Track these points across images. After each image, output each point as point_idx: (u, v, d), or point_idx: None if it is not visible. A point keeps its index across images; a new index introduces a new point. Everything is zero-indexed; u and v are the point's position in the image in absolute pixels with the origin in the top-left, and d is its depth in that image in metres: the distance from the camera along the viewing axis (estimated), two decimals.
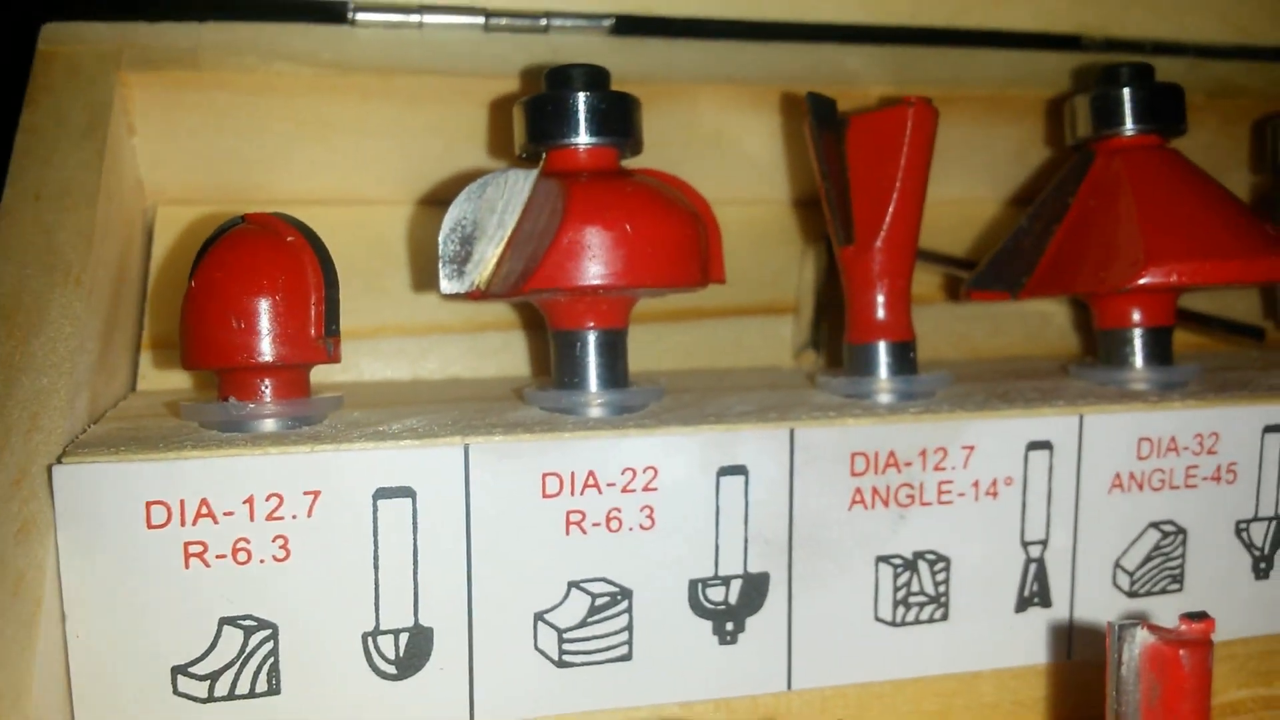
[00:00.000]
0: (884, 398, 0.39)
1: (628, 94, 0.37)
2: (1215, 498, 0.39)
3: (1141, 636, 0.26)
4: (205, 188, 0.44)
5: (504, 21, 0.45)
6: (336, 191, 0.45)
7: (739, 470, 0.35)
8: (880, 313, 0.39)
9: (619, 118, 0.37)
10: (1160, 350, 0.42)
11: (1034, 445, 0.37)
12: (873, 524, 0.36)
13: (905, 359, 0.39)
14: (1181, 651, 0.26)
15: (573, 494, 0.33)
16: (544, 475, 0.33)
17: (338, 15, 0.44)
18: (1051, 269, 0.41)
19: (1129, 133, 0.42)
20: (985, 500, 0.37)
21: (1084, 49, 0.53)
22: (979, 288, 0.42)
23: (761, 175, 0.49)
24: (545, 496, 0.33)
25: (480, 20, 0.45)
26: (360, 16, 0.44)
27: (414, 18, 0.44)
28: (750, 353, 0.49)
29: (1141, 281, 0.38)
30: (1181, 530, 0.39)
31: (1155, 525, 0.39)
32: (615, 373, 0.37)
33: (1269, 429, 0.40)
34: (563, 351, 0.37)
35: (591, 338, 0.37)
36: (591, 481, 0.33)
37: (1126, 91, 0.42)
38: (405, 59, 0.44)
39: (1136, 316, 0.42)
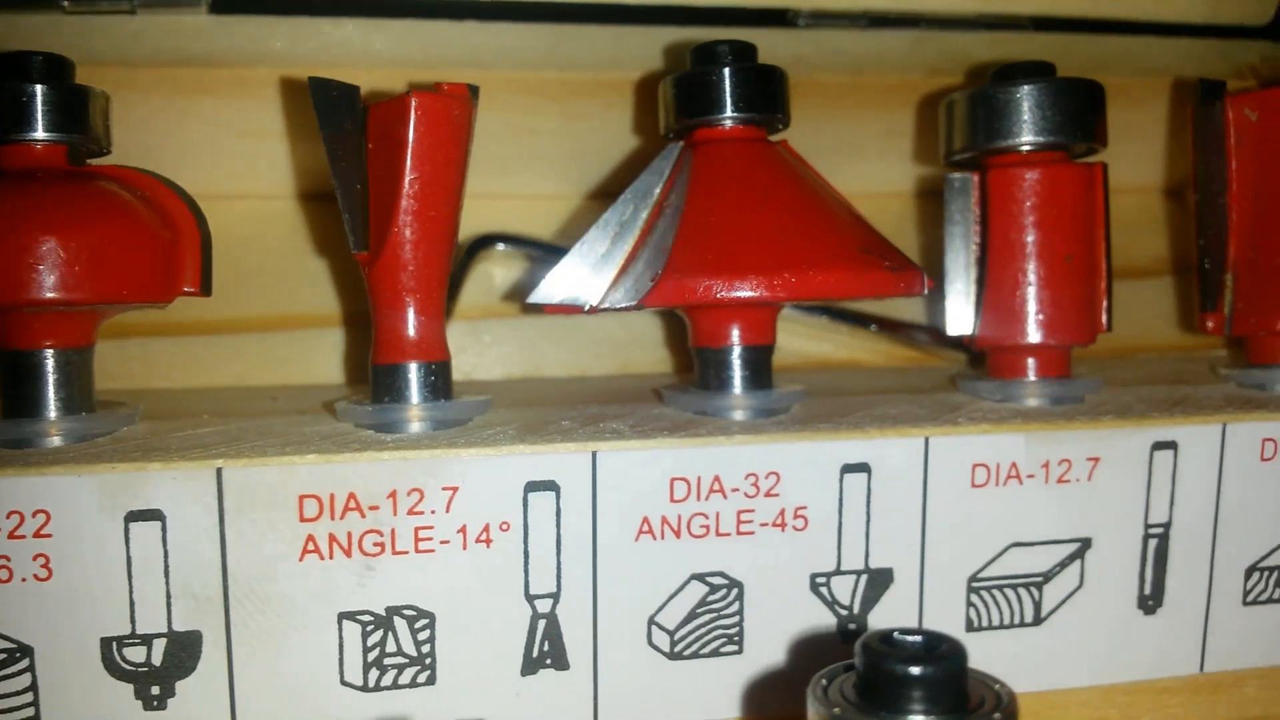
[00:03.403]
0: (415, 426, 0.34)
1: (80, 86, 0.33)
2: (780, 547, 0.34)
3: None
4: None
5: (85, 5, 0.41)
6: None
7: (152, 515, 0.30)
8: (406, 329, 0.34)
9: (61, 111, 0.32)
10: (753, 373, 0.36)
11: (535, 486, 0.32)
12: (332, 576, 0.31)
13: (431, 383, 0.34)
14: None
15: None
16: None
17: None
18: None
19: (721, 123, 0.37)
20: (476, 548, 0.32)
21: (792, 24, 0.47)
22: (547, 300, 0.37)
23: None
24: None
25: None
26: None
27: None
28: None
29: (653, 299, 0.33)
30: (735, 583, 0.34)
31: (700, 577, 0.34)
32: (68, 398, 0.33)
33: (848, 469, 0.34)
34: (5, 375, 0.33)
35: (40, 358, 0.32)
36: None
37: (710, 75, 0.36)
38: None
39: (731, 334, 0.36)
